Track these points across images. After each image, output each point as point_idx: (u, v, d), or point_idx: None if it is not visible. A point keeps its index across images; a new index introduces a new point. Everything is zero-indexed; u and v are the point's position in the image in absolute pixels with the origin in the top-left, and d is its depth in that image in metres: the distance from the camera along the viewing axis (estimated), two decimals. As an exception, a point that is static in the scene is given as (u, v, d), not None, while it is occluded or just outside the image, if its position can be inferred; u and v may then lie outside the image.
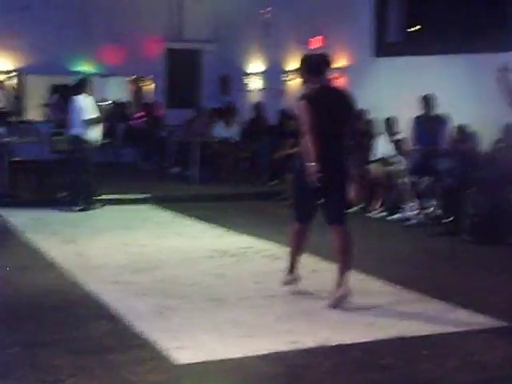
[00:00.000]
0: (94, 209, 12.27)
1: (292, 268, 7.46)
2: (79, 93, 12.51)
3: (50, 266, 8.44)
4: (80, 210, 12.14)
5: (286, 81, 16.44)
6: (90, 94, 12.47)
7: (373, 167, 12.51)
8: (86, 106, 12.31)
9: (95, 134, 12.40)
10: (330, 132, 6.93)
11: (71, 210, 12.10)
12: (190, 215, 11.79)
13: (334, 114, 6.95)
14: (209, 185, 14.78)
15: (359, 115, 12.69)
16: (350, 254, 7.05)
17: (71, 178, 12.51)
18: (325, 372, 5.29)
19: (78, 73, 18.02)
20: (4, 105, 18.95)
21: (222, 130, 16.25)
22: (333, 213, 7.11)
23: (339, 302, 6.87)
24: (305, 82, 7.25)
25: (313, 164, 6.79)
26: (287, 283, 7.43)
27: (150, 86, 20.83)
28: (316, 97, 6.97)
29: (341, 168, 7.04)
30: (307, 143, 6.85)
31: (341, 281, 6.95)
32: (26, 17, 17.30)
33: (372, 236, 10.58)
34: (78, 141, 12.30)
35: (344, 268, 6.99)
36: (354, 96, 7.30)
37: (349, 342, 5.91)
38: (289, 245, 7.63)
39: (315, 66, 7.11)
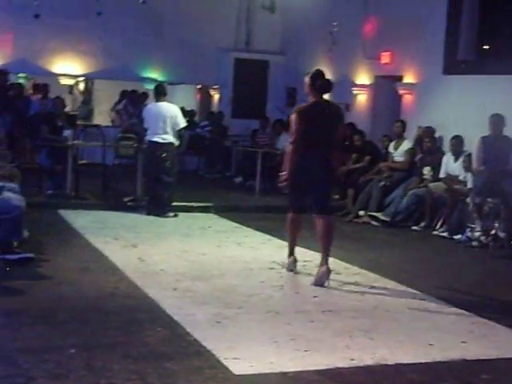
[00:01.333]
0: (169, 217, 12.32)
1: (292, 252, 8.89)
2: (159, 99, 12.56)
3: (111, 269, 8.48)
4: (174, 216, 12.26)
5: (352, 95, 16.34)
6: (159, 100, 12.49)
7: (436, 185, 12.37)
8: (176, 113, 12.37)
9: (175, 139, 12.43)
10: (318, 138, 8.33)
11: (166, 217, 12.17)
12: (250, 226, 11.77)
13: (323, 124, 8.36)
14: (271, 196, 14.73)
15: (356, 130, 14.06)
16: (330, 239, 8.49)
17: (155, 184, 12.50)
18: (382, 391, 5.23)
19: (147, 79, 18.23)
20: (72, 108, 19.21)
21: (286, 142, 16.19)
22: (319, 205, 8.47)
23: (321, 280, 8.18)
24: (308, 94, 8.63)
25: (284, 172, 8.47)
26: (289, 267, 8.79)
27: (216, 96, 20.96)
28: (308, 110, 8.45)
29: (327, 168, 8.39)
30: (290, 151, 8.38)
31: (323, 261, 8.30)
32: (97, 23, 17.50)
33: (433, 255, 10.46)
34: (172, 147, 12.36)
35: (326, 250, 8.37)
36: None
37: (408, 361, 5.82)
38: (288, 232, 8.95)
39: (321, 86, 8.50)
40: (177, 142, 12.38)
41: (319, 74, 8.66)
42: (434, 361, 5.89)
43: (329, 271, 8.24)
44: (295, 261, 8.86)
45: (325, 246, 8.42)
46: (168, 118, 12.18)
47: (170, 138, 12.22)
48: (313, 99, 8.57)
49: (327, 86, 8.63)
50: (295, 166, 8.36)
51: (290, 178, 8.46)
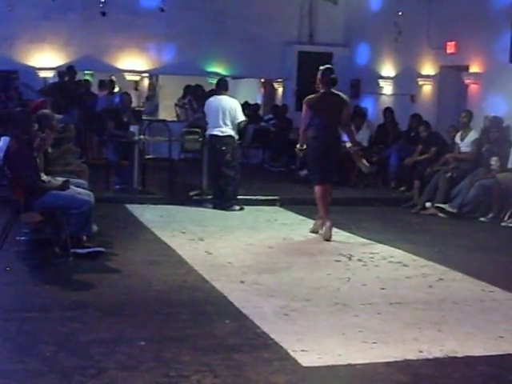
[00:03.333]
0: (235, 210, 12.39)
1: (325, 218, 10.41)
2: (220, 93, 12.64)
3: (178, 262, 8.57)
4: (238, 210, 12.33)
5: (418, 86, 16.19)
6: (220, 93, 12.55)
7: (504, 176, 12.20)
8: (235, 106, 12.44)
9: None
10: (326, 123, 10.27)
11: (232, 210, 12.27)
12: (316, 218, 11.74)
13: (330, 110, 10.29)
14: (336, 189, 14.66)
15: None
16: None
17: (217, 177, 12.58)
18: (452, 384, 5.19)
19: (211, 74, 18.31)
20: (137, 104, 19.41)
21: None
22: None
23: (329, 234, 10.15)
24: (317, 86, 10.43)
25: (299, 146, 10.45)
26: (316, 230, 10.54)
27: (280, 89, 20.96)
28: (316, 101, 10.35)
29: (336, 145, 10.55)
30: (302, 132, 10.50)
31: (326, 218, 10.30)
32: (161, 19, 17.65)
33: (501, 246, 10.32)
34: (232, 141, 12.43)
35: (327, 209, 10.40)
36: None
37: (477, 354, 5.77)
38: (321, 205, 10.48)
39: (330, 81, 10.38)
40: (236, 136, 12.43)
41: (328, 70, 10.44)
42: (504, 353, 5.83)
43: (332, 224, 10.29)
44: (322, 224, 10.41)
45: (328, 205, 10.49)
46: (227, 110, 12.27)
47: (229, 130, 12.29)
48: (322, 91, 10.38)
49: (333, 80, 10.41)
50: (312, 146, 10.36)
51: (310, 158, 10.56)
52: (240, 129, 12.62)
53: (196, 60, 18.71)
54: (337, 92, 10.55)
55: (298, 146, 10.51)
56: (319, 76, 10.39)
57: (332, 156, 10.51)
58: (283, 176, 16.57)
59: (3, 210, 9.27)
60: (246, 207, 12.48)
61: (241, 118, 12.40)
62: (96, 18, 16.81)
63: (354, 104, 18.08)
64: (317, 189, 10.50)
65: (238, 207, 12.37)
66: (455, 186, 12.76)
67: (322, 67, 10.51)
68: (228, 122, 12.30)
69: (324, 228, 10.29)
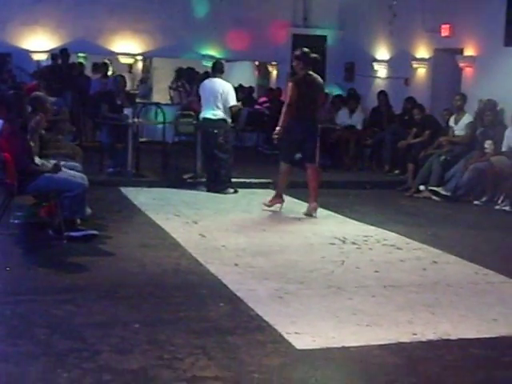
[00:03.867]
0: (228, 193, 12.39)
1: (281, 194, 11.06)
2: (214, 76, 12.62)
3: (172, 245, 8.57)
4: (231, 193, 12.33)
5: (412, 69, 16.17)
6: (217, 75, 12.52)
7: (498, 159, 12.21)
8: (231, 89, 12.42)
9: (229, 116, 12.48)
10: (307, 104, 10.56)
11: (226, 193, 12.29)
12: (309, 202, 11.75)
13: (310, 93, 10.63)
14: (330, 172, 14.70)
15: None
16: (317, 182, 10.83)
17: (211, 160, 12.59)
18: (446, 366, 5.21)
19: (205, 57, 18.26)
20: (131, 87, 19.35)
21: (345, 117, 16.16)
22: (309, 156, 10.84)
23: (310, 212, 10.58)
24: (299, 68, 10.71)
25: (279, 128, 10.63)
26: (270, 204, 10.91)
27: (274, 72, 20.91)
28: (301, 81, 10.63)
29: (313, 127, 10.80)
30: (284, 112, 10.57)
31: (312, 199, 10.68)
32: (155, 1, 17.58)
33: (494, 229, 10.35)
34: (224, 125, 12.42)
35: (314, 191, 10.72)
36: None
37: (471, 336, 5.79)
38: (280, 180, 11.07)
39: (311, 62, 10.81)
40: (229, 119, 12.40)
41: (309, 53, 10.77)
42: (498, 336, 5.85)
43: (316, 207, 10.66)
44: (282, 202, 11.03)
45: (313, 187, 10.77)
46: (219, 94, 12.25)
47: (221, 114, 12.28)
48: (303, 72, 10.68)
49: (316, 61, 11.02)
50: (289, 126, 10.61)
51: (285, 136, 10.68)
52: (233, 113, 12.56)
53: (190, 43, 18.65)
54: (315, 74, 10.88)
55: (277, 129, 10.68)
56: (302, 57, 10.71)
57: (309, 138, 10.81)
58: (277, 159, 16.49)
59: (-4, 193, 9.26)
60: (239, 190, 12.48)
61: (232, 102, 12.35)
62: (89, 0, 16.73)
63: (348, 87, 18.11)
64: (284, 167, 11.05)
65: (231, 190, 12.37)
66: (449, 170, 12.78)
67: (301, 49, 10.83)
68: (220, 105, 12.27)
69: (308, 207, 10.74)
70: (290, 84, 10.61)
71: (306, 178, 10.96)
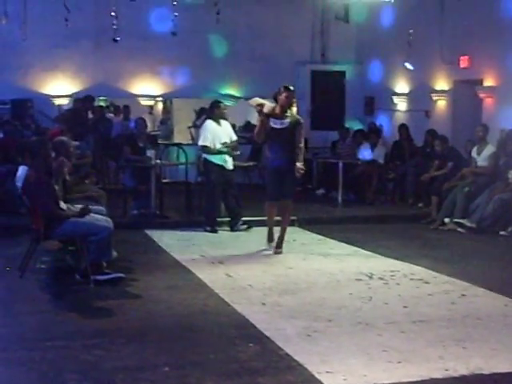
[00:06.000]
0: (239, 230, 12.37)
1: (272, 236, 10.81)
2: (209, 117, 12.72)
3: (199, 286, 8.56)
4: (207, 231, 12.27)
5: (432, 101, 16.18)
6: (217, 119, 12.44)
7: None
8: (205, 130, 12.40)
9: (220, 157, 12.35)
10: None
11: (204, 230, 12.30)
12: (335, 237, 11.74)
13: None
14: (354, 207, 14.70)
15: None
16: (289, 218, 11.00)
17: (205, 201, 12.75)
18: (480, 401, 5.15)
19: (225, 96, 18.34)
20: (152, 129, 19.45)
21: (366, 152, 16.15)
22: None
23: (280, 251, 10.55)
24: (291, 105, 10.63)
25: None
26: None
27: (294, 109, 20.93)
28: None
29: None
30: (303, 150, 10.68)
31: (283, 236, 10.68)
32: (173, 43, 17.70)
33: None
34: (205, 164, 12.52)
35: (285, 228, 10.76)
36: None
37: (504, 370, 5.72)
38: (268, 219, 10.83)
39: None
40: (210, 158, 12.41)
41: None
42: (530, 369, 5.78)
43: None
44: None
45: (287, 223, 10.89)
46: (200, 135, 12.55)
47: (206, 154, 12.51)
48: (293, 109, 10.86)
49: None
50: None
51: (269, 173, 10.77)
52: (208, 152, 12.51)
53: (209, 82, 18.78)
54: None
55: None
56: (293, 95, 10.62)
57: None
58: (300, 196, 16.49)
59: (23, 239, 9.32)
60: (264, 228, 12.42)
61: (199, 142, 12.48)
62: (108, 44, 16.83)
63: (368, 121, 18.14)
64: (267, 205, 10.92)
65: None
66: (473, 201, 12.72)
67: (284, 86, 10.52)
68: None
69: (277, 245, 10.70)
70: (303, 124, 10.69)
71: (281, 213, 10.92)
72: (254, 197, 12.78)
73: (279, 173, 10.43)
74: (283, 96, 10.38)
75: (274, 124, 10.39)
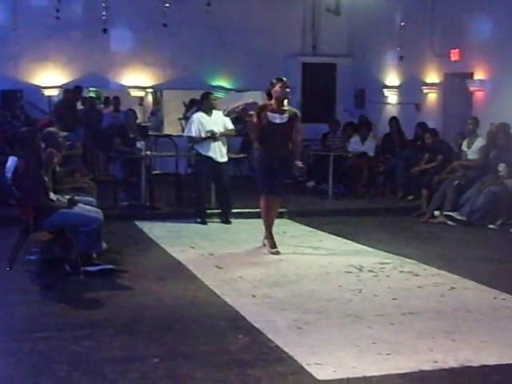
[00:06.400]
0: (229, 223, 12.39)
1: (273, 239, 10.15)
2: (199, 108, 12.72)
3: (189, 277, 8.56)
4: (197, 223, 12.29)
5: (423, 94, 16.19)
6: (207, 110, 12.39)
7: (511, 182, 12.20)
8: (192, 122, 12.41)
9: (208, 149, 12.32)
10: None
11: (194, 222, 12.31)
12: (325, 230, 11.75)
13: None
14: (344, 199, 14.72)
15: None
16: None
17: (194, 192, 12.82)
18: (469, 394, 5.16)
19: (215, 88, 18.32)
20: (142, 120, 19.43)
21: (357, 145, 16.14)
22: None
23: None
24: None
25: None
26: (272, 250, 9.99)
27: (285, 101, 20.92)
28: None
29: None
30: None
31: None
32: (164, 34, 17.65)
33: (511, 253, 10.30)
34: (196, 156, 12.61)
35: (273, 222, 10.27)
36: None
37: (493, 363, 5.73)
38: (265, 217, 10.22)
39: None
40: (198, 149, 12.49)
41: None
42: (520, 361, 5.80)
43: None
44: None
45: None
46: (187, 127, 12.64)
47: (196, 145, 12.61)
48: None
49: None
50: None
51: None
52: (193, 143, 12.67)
53: (200, 74, 18.74)
54: None
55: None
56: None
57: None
58: (290, 188, 16.49)
59: (12, 230, 9.29)
60: (254, 220, 12.43)
61: (187, 132, 12.57)
62: (99, 35, 16.81)
63: (359, 114, 18.14)
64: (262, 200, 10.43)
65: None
66: (463, 194, 12.74)
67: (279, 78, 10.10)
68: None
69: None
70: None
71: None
72: (244, 189, 12.76)
73: (274, 168, 9.99)
74: (277, 87, 9.91)
75: (274, 119, 9.92)
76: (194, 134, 12.24)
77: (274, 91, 9.97)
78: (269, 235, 10.18)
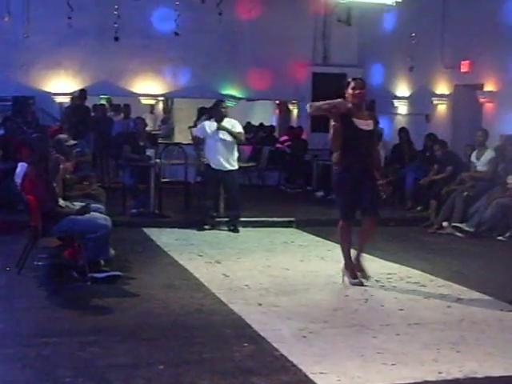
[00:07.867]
0: (235, 231, 12.40)
1: (353, 265, 8.78)
2: (210, 116, 12.78)
3: (196, 285, 8.57)
4: (197, 230, 12.33)
5: (432, 105, 16.20)
6: (218, 119, 12.36)
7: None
8: (202, 126, 12.51)
9: (214, 158, 12.34)
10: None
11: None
12: (333, 240, 11.69)
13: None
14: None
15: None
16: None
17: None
18: (473, 405, 5.16)
19: (226, 97, 18.36)
20: (152, 128, 19.50)
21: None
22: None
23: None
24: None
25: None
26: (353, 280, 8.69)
27: (295, 110, 20.99)
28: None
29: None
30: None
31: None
32: (175, 43, 17.73)
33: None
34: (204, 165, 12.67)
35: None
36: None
37: (497, 374, 5.72)
38: (342, 244, 9.00)
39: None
40: (211, 159, 12.49)
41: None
42: (525, 373, 5.79)
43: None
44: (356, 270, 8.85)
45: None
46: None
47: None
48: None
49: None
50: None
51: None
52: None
53: (211, 83, 18.81)
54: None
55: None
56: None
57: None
58: (299, 197, 16.57)
59: (21, 236, 9.33)
60: (262, 229, 12.49)
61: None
62: (110, 43, 16.90)
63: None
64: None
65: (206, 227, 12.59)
66: (472, 205, 12.73)
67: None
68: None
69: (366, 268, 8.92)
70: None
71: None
72: (253, 197, 12.79)
73: (357, 180, 8.54)
74: (356, 92, 8.62)
75: (360, 125, 8.51)
76: (198, 133, 12.44)
77: (351, 94, 8.68)
78: (349, 263, 8.84)
